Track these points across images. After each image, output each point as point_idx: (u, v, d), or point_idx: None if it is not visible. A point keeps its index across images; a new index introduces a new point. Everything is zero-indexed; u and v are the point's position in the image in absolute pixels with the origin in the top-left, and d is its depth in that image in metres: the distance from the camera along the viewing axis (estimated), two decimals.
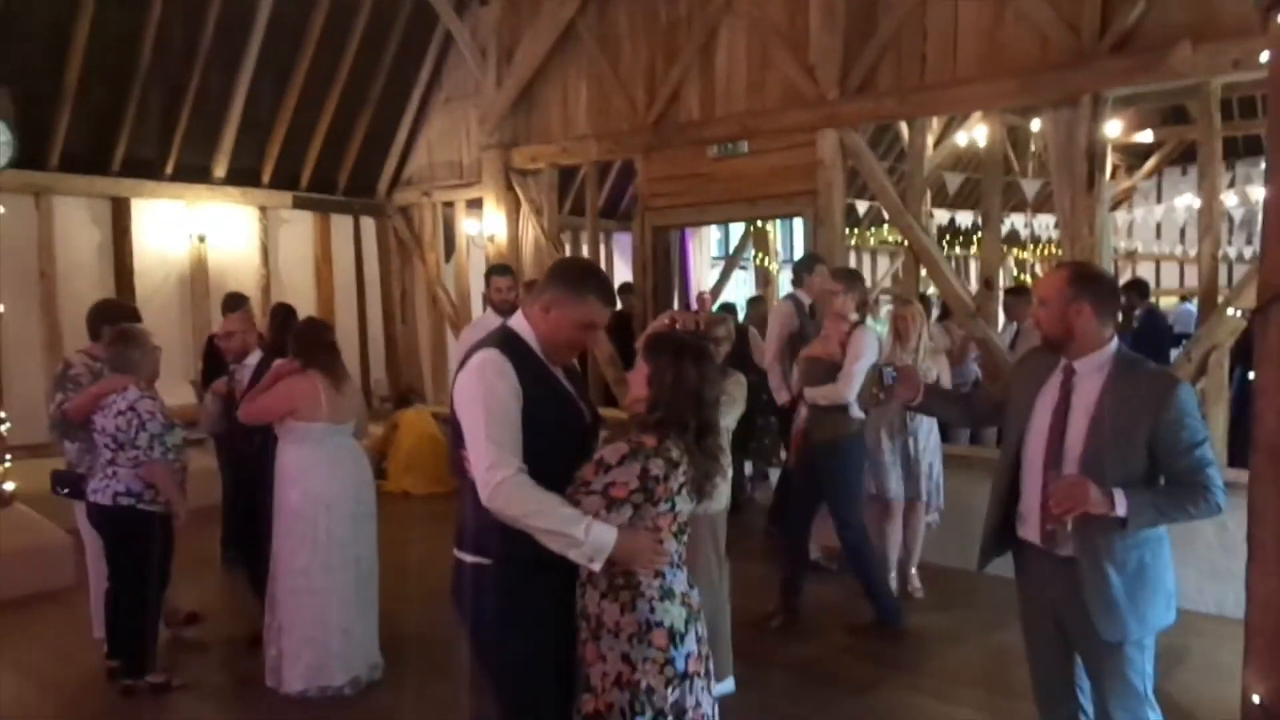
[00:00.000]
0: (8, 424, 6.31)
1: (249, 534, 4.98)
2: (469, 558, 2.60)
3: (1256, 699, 1.67)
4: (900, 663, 4.74)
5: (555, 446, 2.50)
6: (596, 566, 2.42)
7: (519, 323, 2.64)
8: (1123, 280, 12.25)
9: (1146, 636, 2.72)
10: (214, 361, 6.05)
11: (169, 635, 4.89)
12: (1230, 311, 5.18)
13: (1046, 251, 14.22)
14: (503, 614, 2.55)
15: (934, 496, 5.57)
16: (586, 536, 2.37)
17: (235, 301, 6.46)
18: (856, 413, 4.99)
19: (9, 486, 6.25)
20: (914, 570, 5.72)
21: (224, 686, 4.60)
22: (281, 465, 4.46)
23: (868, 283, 17.46)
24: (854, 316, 5.03)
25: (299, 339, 4.58)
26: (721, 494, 4.11)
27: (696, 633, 2.55)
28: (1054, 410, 2.81)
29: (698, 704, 2.51)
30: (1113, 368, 2.73)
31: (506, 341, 2.58)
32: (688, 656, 2.49)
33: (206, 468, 6.11)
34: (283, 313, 5.88)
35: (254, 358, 5.10)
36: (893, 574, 5.57)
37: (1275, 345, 1.60)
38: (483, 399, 2.46)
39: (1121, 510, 2.56)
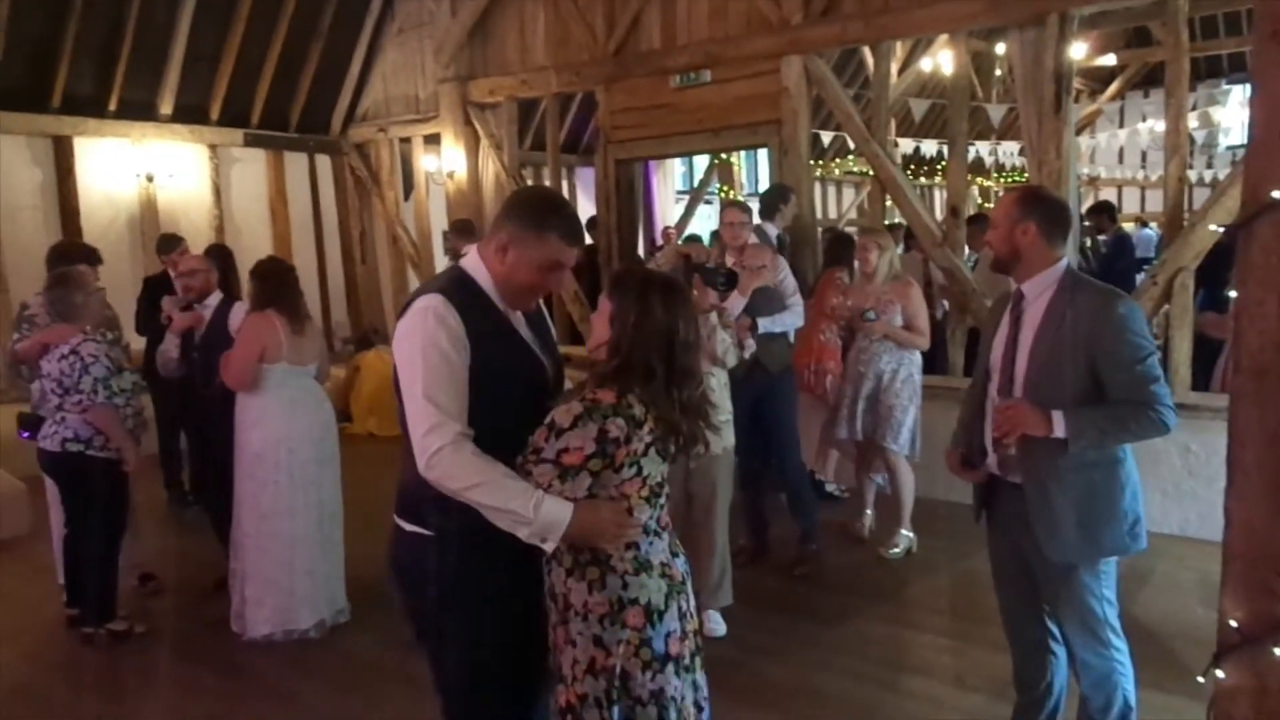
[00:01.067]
0: None
1: (210, 479, 4.90)
2: (407, 526, 2.33)
3: (1234, 623, 1.65)
4: (869, 592, 4.78)
5: (509, 407, 2.20)
6: (549, 547, 2.13)
7: (472, 263, 2.31)
8: (1086, 205, 12.32)
9: (1099, 561, 2.71)
10: (152, 304, 5.86)
11: (131, 583, 4.80)
12: (1211, 227, 5.16)
13: (1011, 180, 14.19)
14: (444, 594, 2.26)
15: (896, 439, 5.11)
16: (535, 514, 2.07)
17: (171, 242, 6.32)
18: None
19: None
20: (868, 512, 5.58)
21: (187, 632, 4.53)
22: (241, 408, 4.39)
23: (834, 214, 17.35)
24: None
25: (259, 278, 4.46)
26: (728, 432, 4.14)
27: (680, 608, 2.24)
28: (1006, 335, 2.79)
29: (684, 691, 2.22)
30: (1057, 288, 2.70)
31: (455, 285, 2.26)
32: (668, 636, 2.19)
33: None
34: (220, 255, 5.71)
35: (215, 298, 4.96)
36: (869, 511, 5.56)
37: (1260, 261, 1.54)
38: (421, 352, 2.14)
39: (1060, 430, 2.54)
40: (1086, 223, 9.25)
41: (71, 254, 5.05)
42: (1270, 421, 1.58)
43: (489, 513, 2.11)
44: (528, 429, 2.16)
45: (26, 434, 4.51)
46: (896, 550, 5.18)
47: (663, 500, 2.28)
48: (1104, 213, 9.29)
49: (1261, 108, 1.54)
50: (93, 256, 5.21)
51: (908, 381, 5.13)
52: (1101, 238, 9.26)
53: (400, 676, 3.90)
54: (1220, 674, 1.69)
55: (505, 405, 2.19)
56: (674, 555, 2.30)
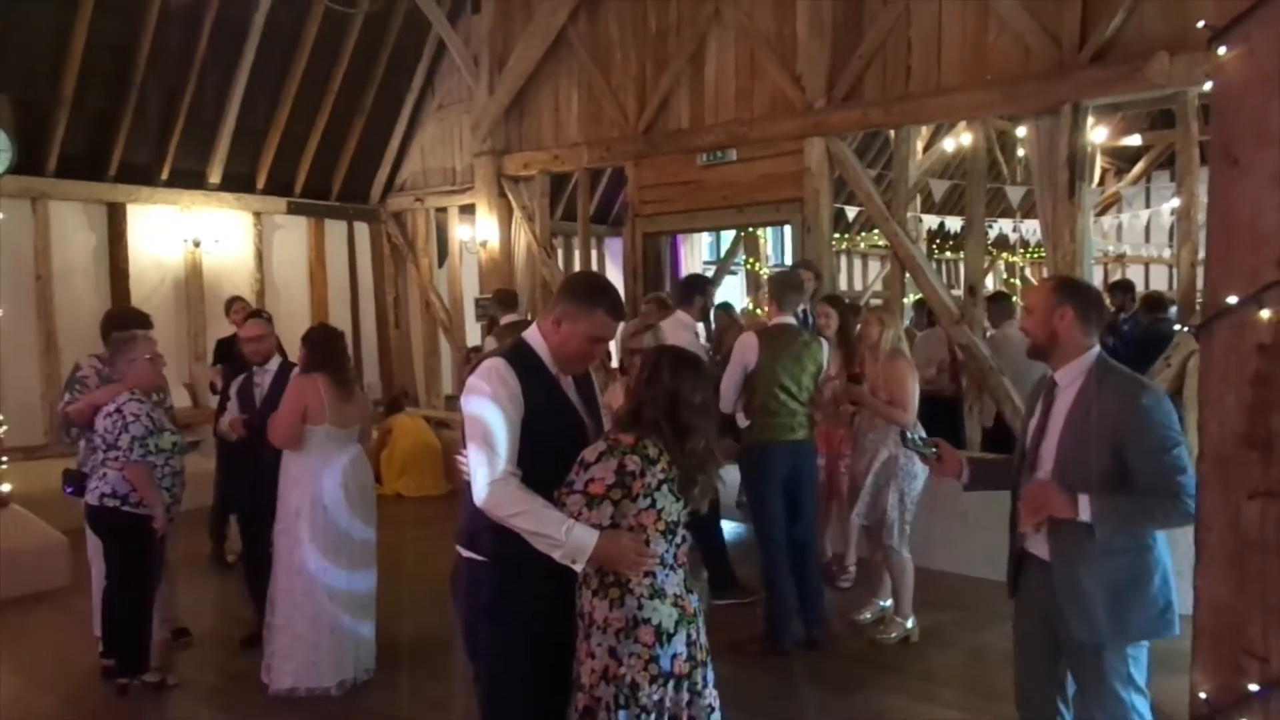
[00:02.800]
0: (4, 426, 6.37)
1: (252, 535, 5.07)
2: (465, 553, 2.77)
3: (1203, 695, 1.76)
4: (882, 663, 4.82)
5: (554, 454, 2.60)
6: (579, 567, 2.50)
7: (533, 334, 2.76)
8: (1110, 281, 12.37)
9: (1128, 644, 2.74)
10: (230, 361, 6.17)
11: (164, 636, 4.96)
12: (1184, 328, 5.29)
13: (1035, 256, 14.34)
14: (490, 608, 2.70)
15: (892, 532, 4.99)
16: (566, 537, 2.46)
17: (233, 303, 6.58)
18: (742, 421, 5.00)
19: (5, 488, 6.33)
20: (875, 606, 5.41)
21: (217, 685, 4.68)
22: (284, 466, 4.58)
23: (859, 286, 17.49)
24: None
25: (309, 344, 4.68)
26: None
27: (689, 636, 2.58)
28: (1037, 420, 2.89)
29: (686, 706, 2.54)
30: (1088, 376, 2.78)
31: (516, 351, 2.71)
32: (674, 657, 2.52)
33: (205, 470, 6.18)
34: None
35: (274, 363, 5.20)
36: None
37: (1218, 359, 1.69)
38: (482, 405, 2.59)
39: (1085, 515, 2.61)
40: (1109, 302, 9.32)
41: (125, 320, 5.27)
42: (1231, 506, 1.71)
43: (530, 537, 2.52)
44: (565, 471, 2.58)
45: (70, 490, 4.72)
46: (890, 637, 5.05)
47: (678, 539, 2.62)
48: (1126, 291, 9.37)
49: (1217, 222, 1.70)
50: (145, 322, 5.38)
51: (888, 462, 4.99)
52: (1122, 315, 9.32)
53: None
54: None
55: (548, 451, 2.60)
56: (688, 590, 2.64)
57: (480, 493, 2.56)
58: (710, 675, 2.66)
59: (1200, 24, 1.71)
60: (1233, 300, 1.67)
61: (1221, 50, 1.67)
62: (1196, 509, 1.78)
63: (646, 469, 2.52)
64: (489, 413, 2.58)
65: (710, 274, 14.15)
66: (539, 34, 8.53)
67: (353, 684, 4.54)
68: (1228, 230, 1.70)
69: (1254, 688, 1.69)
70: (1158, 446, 2.61)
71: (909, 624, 5.09)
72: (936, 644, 5.08)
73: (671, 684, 2.52)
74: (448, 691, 4.56)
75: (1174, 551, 2.78)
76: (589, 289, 2.76)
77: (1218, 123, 1.71)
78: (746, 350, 4.91)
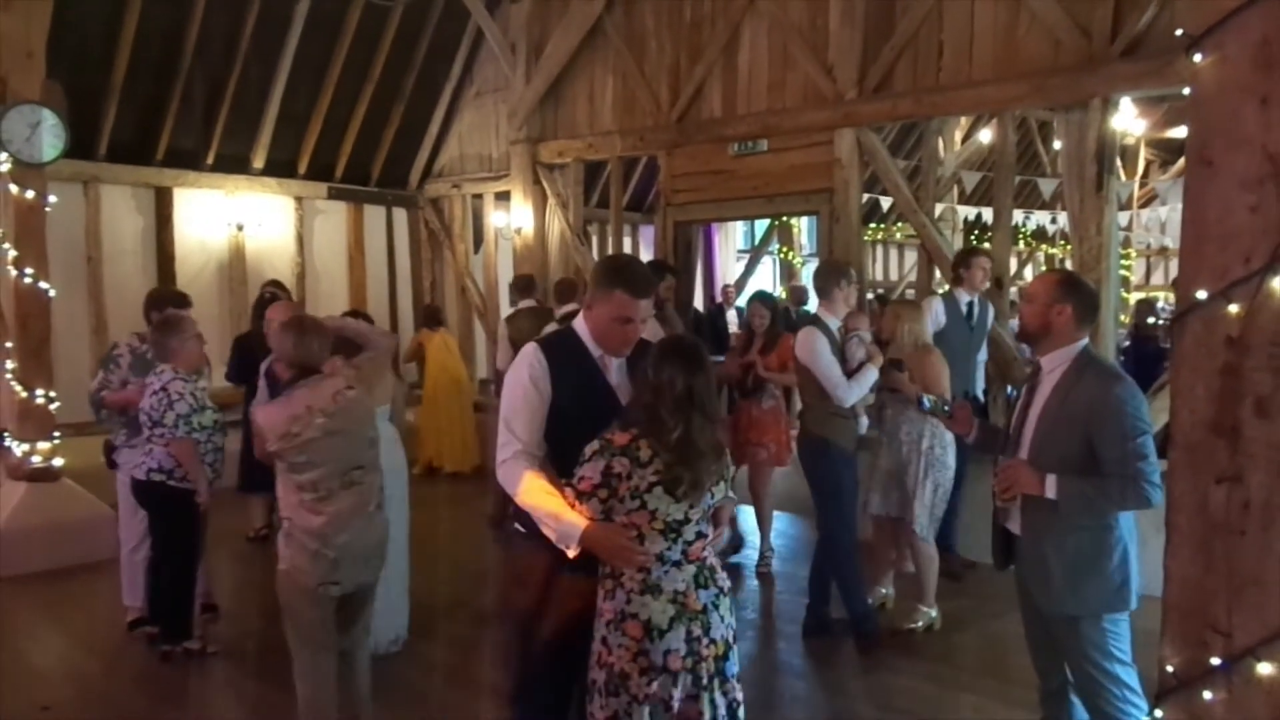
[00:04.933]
0: (58, 403, 6.63)
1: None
2: (512, 523, 2.96)
3: (1170, 669, 1.86)
4: (896, 646, 4.90)
5: (586, 436, 2.63)
6: (571, 552, 2.58)
7: (579, 320, 2.87)
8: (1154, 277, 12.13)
9: (1090, 614, 2.90)
10: (246, 358, 6.30)
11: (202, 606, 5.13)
12: (1160, 315, 5.30)
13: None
14: (519, 574, 2.91)
15: (921, 522, 4.98)
16: (556, 522, 2.58)
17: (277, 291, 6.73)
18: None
19: (58, 462, 6.58)
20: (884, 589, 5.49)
21: (254, 652, 4.90)
22: None
23: (895, 277, 17.40)
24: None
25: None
26: None
27: (690, 633, 2.55)
28: (1020, 405, 3.05)
29: (693, 700, 2.54)
30: (1072, 365, 2.94)
31: (556, 337, 2.93)
32: (667, 653, 2.51)
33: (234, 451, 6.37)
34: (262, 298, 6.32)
35: None
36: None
37: (1189, 351, 1.78)
38: (509, 387, 2.79)
39: (1050, 492, 2.81)
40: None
41: (165, 300, 5.43)
42: (1200, 490, 1.81)
43: (531, 512, 2.66)
44: None
45: (106, 461, 5.08)
46: (917, 625, 5.10)
47: (688, 537, 2.59)
48: (1143, 313, 9.02)
49: (1189, 220, 1.79)
50: (184, 301, 5.53)
51: (928, 454, 4.97)
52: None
53: (445, 704, 4.22)
54: (1159, 715, 1.90)
55: (580, 433, 2.65)
56: (700, 587, 2.60)
57: (498, 468, 2.76)
58: (731, 668, 2.64)
59: (1179, 32, 1.79)
60: (1202, 295, 1.75)
61: (1197, 57, 1.75)
62: (1167, 493, 1.87)
63: (634, 471, 2.51)
64: (512, 395, 2.76)
65: (744, 262, 14.30)
66: (576, 23, 8.64)
67: (382, 654, 4.65)
68: (1198, 228, 1.79)
69: (1216, 662, 1.78)
70: (1125, 434, 2.77)
71: (933, 613, 5.14)
72: (953, 628, 5.15)
73: (668, 678, 2.52)
74: (474, 664, 4.74)
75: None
76: (607, 270, 2.86)
77: (1193, 126, 1.79)
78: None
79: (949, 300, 5.94)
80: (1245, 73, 1.70)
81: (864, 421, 5.41)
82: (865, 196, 7.99)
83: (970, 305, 5.92)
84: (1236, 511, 1.76)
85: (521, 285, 7.73)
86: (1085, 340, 2.98)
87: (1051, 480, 2.80)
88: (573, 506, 2.56)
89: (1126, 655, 2.94)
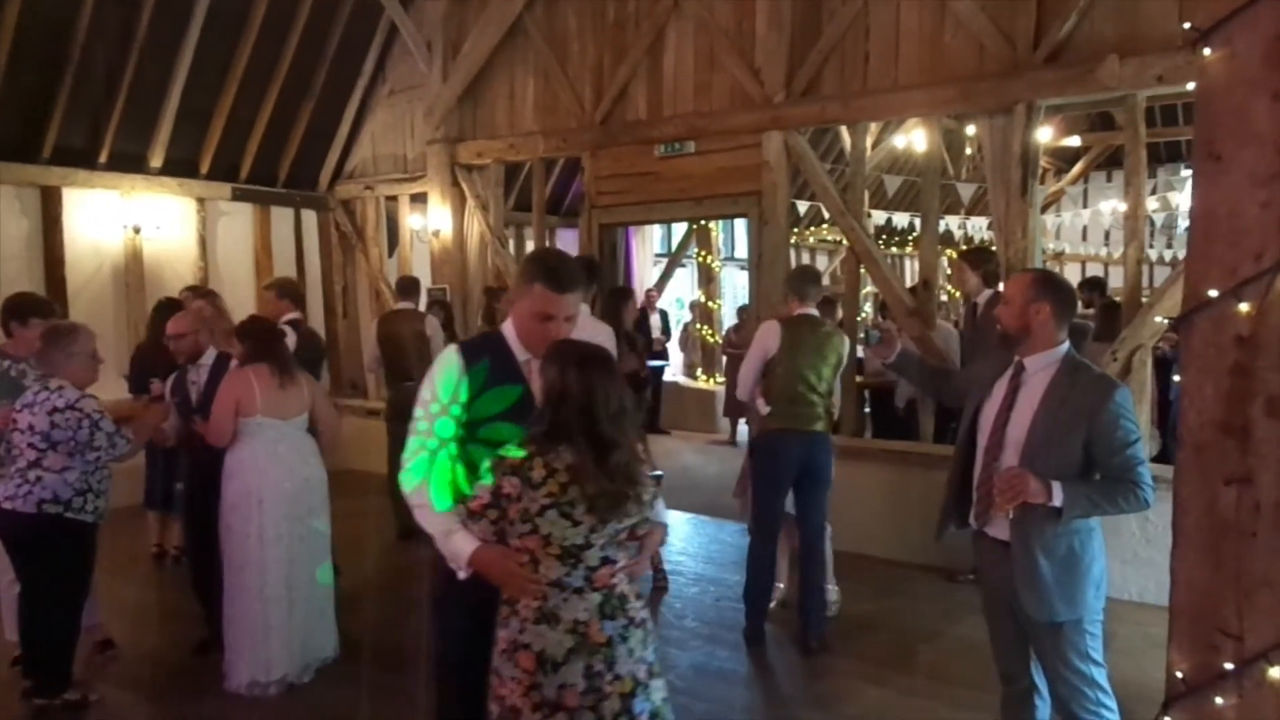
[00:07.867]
0: None
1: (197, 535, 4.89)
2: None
3: (1179, 674, 1.82)
4: (838, 650, 4.86)
5: (501, 441, 2.44)
6: (462, 574, 2.42)
7: (507, 321, 2.71)
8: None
9: (1076, 618, 2.90)
10: (143, 371, 5.77)
11: (86, 649, 4.60)
12: (1157, 319, 5.44)
13: None
14: (435, 597, 2.75)
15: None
16: (445, 542, 2.44)
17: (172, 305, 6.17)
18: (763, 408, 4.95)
19: None
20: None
21: (145, 696, 4.48)
22: (225, 460, 4.45)
23: None
24: None
25: (242, 337, 4.59)
26: None
27: (590, 667, 2.29)
28: (1001, 402, 3.01)
29: None
30: (1059, 369, 2.93)
31: (478, 338, 2.78)
32: (562, 688, 2.27)
33: (134, 467, 5.91)
34: (162, 308, 5.94)
35: (209, 357, 4.86)
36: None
37: (1197, 350, 1.75)
38: (421, 389, 2.62)
39: (1058, 500, 2.78)
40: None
41: (22, 308, 4.82)
42: (1208, 491, 1.77)
43: (424, 529, 2.51)
44: None
45: None
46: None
47: (591, 563, 2.32)
48: (1095, 289, 9.47)
49: (1198, 218, 1.75)
50: (46, 309, 4.93)
51: None
52: (1089, 311, 9.45)
53: None
54: None
55: (497, 438, 2.47)
56: (606, 617, 2.32)
57: (402, 474, 2.58)
58: (640, 706, 2.34)
59: (1186, 25, 1.76)
60: (1213, 294, 1.72)
61: (1206, 51, 1.72)
62: (1175, 494, 1.83)
63: (525, 493, 2.26)
64: (423, 398, 2.59)
65: (661, 268, 14.26)
66: (495, 21, 8.44)
67: (296, 681, 4.43)
68: (1208, 225, 1.75)
69: (1228, 666, 1.75)
70: (1124, 442, 2.80)
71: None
72: (876, 629, 5.14)
73: (563, 715, 2.27)
74: (407, 682, 4.51)
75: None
76: (527, 263, 2.75)
77: (1200, 121, 1.76)
78: (768, 337, 4.85)
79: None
80: (1255, 67, 1.68)
81: None
82: None
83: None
84: (1247, 513, 1.73)
85: (404, 287, 7.54)
86: (1067, 343, 2.98)
87: (1058, 488, 2.78)
88: (463, 525, 2.39)
89: (1100, 656, 2.96)
